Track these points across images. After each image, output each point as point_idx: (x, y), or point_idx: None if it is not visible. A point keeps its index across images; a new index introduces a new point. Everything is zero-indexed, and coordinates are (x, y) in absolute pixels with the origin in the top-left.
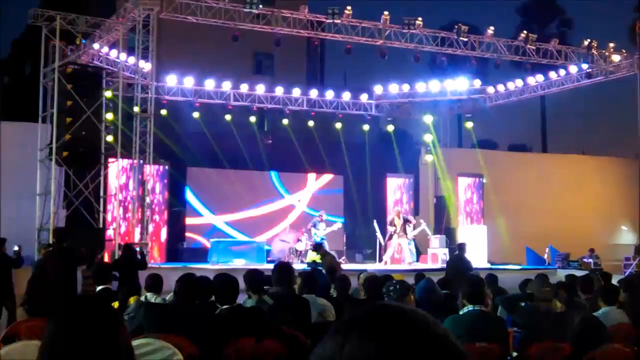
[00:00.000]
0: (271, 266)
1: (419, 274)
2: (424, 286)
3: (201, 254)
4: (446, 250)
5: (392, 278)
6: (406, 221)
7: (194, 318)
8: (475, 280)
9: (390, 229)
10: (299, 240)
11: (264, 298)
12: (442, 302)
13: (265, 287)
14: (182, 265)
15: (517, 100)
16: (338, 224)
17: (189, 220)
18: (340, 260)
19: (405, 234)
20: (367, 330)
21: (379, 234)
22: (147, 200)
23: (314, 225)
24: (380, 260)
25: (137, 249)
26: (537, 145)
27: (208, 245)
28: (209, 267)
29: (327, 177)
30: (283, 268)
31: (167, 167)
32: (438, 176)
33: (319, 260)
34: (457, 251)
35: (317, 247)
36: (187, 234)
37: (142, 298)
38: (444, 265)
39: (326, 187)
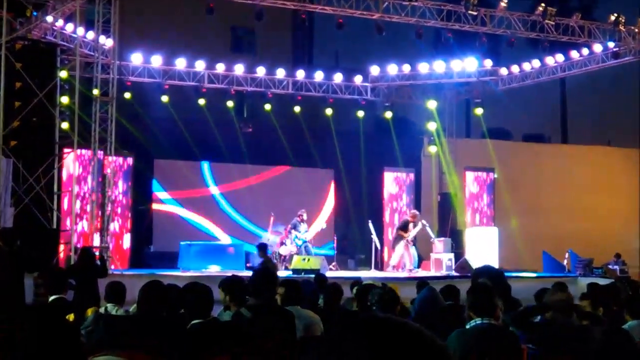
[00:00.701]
0: (249, 273)
1: (421, 282)
2: (425, 296)
3: (170, 259)
4: (451, 256)
5: (374, 286)
6: (407, 223)
7: (161, 333)
8: (482, 288)
9: (403, 234)
10: (282, 243)
11: (242, 311)
12: (446, 314)
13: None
14: (148, 272)
15: (534, 84)
16: (322, 224)
17: (156, 220)
18: (330, 266)
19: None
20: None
21: (374, 236)
22: (109, 197)
23: (294, 227)
24: (377, 266)
25: (97, 253)
26: (556, 135)
27: (178, 249)
28: (179, 275)
29: (314, 171)
30: (263, 275)
31: (131, 159)
32: (443, 170)
33: (305, 267)
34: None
35: (261, 248)
36: (155, 236)
37: (102, 309)
38: (449, 273)
39: (313, 182)
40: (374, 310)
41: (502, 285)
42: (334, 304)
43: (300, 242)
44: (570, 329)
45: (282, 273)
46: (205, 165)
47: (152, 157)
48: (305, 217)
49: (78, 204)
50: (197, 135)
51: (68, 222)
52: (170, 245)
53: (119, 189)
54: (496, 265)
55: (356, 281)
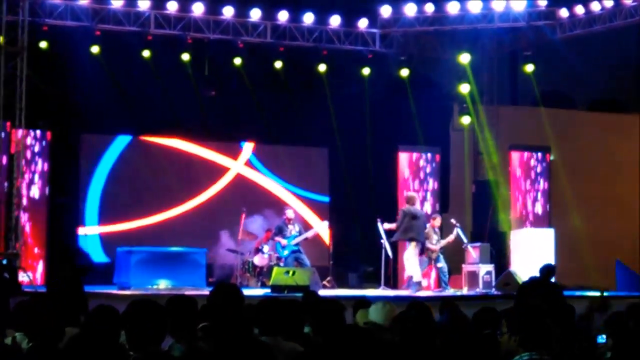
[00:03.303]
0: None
1: (446, 302)
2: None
3: (104, 271)
4: (490, 267)
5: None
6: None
7: None
8: (532, 311)
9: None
10: (258, 250)
11: (200, 345)
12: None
13: (201, 325)
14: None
15: (605, 31)
16: (317, 229)
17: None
18: (324, 282)
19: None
20: None
21: (385, 242)
22: (18, 186)
23: (279, 232)
24: (389, 282)
25: (3, 261)
26: (635, 102)
27: (113, 258)
28: (116, 293)
29: (303, 151)
30: (228, 293)
31: (49, 134)
32: (479, 150)
33: (289, 282)
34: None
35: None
36: (82, 240)
37: (8, 340)
38: (488, 291)
39: (301, 167)
40: None
41: (561, 306)
42: (329, 332)
43: (287, 252)
44: None
45: (257, 291)
46: (152, 142)
47: (78, 131)
48: (292, 215)
49: None
50: (140, 101)
51: None
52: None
53: (34, 173)
54: (552, 280)
55: (360, 301)
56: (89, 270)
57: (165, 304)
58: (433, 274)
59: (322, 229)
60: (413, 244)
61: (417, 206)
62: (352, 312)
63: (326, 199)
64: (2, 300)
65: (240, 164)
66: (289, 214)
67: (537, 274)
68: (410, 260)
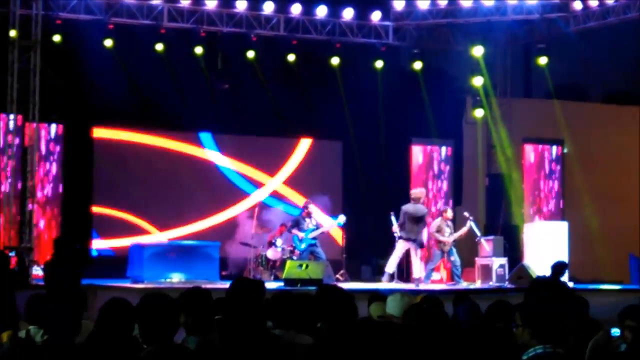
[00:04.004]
0: (227, 285)
1: (460, 295)
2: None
3: (117, 265)
4: (504, 261)
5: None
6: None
7: None
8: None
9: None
10: (271, 243)
11: (213, 337)
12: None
13: (216, 317)
14: (87, 283)
15: (619, 23)
16: (334, 222)
17: (96, 211)
18: (337, 275)
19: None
20: None
21: (398, 234)
22: (30, 182)
23: (296, 224)
24: (402, 276)
25: (12, 254)
26: None
27: (126, 251)
28: (130, 286)
29: (317, 144)
30: (244, 287)
31: (61, 128)
32: (493, 143)
33: (302, 275)
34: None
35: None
36: (95, 234)
37: (22, 333)
38: (501, 284)
39: (315, 160)
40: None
41: (574, 300)
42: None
43: (304, 245)
44: None
45: (270, 284)
46: (165, 135)
47: (91, 125)
48: (312, 209)
49: None
50: (153, 94)
51: None
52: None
53: (47, 167)
54: (566, 274)
55: (375, 294)
56: (88, 262)
57: (180, 297)
58: (442, 267)
59: (338, 222)
60: (412, 244)
61: (421, 205)
62: (366, 305)
63: (339, 190)
64: (9, 295)
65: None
66: (310, 207)
67: (550, 269)
68: (412, 259)
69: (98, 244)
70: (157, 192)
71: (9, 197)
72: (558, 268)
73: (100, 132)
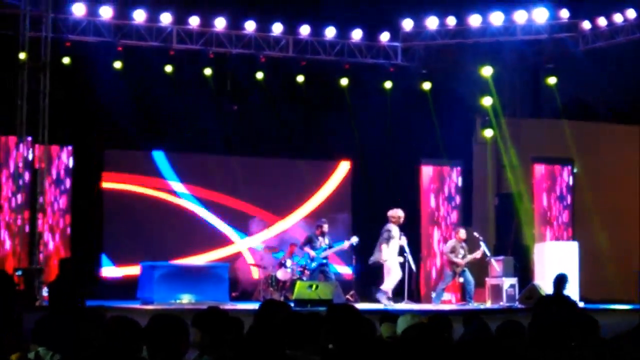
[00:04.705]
0: (237, 306)
1: (470, 315)
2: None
3: (126, 286)
4: (514, 281)
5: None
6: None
7: None
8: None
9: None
10: (281, 264)
11: (227, 357)
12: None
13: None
14: (97, 305)
15: (627, 43)
16: (346, 242)
17: (107, 233)
18: (347, 296)
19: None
20: None
21: (408, 255)
22: (41, 201)
23: (309, 242)
24: (412, 296)
25: (18, 272)
26: None
27: (137, 272)
28: (139, 308)
29: (326, 166)
30: (273, 309)
31: (71, 149)
32: (502, 163)
33: (312, 296)
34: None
35: None
36: (105, 254)
37: (31, 355)
38: (512, 304)
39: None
40: None
41: (584, 320)
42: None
43: (315, 264)
44: None
45: None
46: (174, 158)
47: (102, 148)
48: (326, 228)
49: None
50: (163, 115)
51: None
52: (125, 267)
53: (55, 189)
54: (576, 293)
55: (385, 315)
56: (93, 284)
57: (197, 316)
58: (451, 288)
59: (352, 242)
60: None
61: (396, 228)
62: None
63: (347, 209)
64: (13, 313)
65: (259, 178)
66: (324, 227)
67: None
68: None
69: (107, 272)
70: (166, 224)
71: (19, 219)
72: (559, 282)
73: (111, 155)
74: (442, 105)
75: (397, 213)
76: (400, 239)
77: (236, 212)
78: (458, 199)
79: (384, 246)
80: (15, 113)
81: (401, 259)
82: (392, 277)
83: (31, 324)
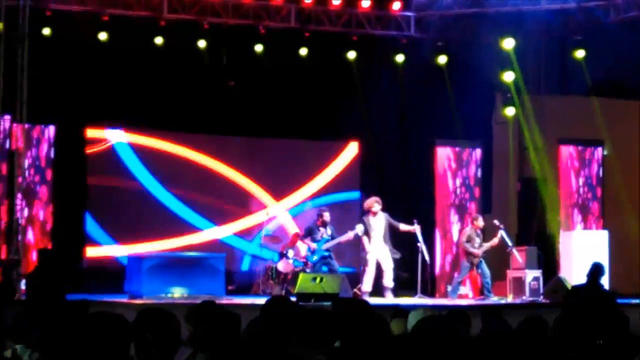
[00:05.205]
0: (234, 300)
1: (488, 310)
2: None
3: (113, 278)
4: (538, 273)
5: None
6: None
7: None
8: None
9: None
10: (283, 254)
11: (223, 355)
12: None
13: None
14: (81, 299)
15: None
16: (351, 232)
17: (91, 220)
18: (355, 290)
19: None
20: None
21: (421, 245)
22: (19, 185)
23: (310, 233)
24: (426, 290)
25: None
26: None
27: (124, 263)
28: (127, 302)
29: (332, 147)
30: (280, 307)
31: (53, 129)
32: (525, 145)
33: (317, 289)
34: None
35: None
36: (90, 247)
37: (7, 353)
38: (535, 299)
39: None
40: None
41: (615, 315)
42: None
43: (317, 257)
44: None
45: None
46: (165, 136)
47: (84, 125)
48: (327, 217)
49: None
50: (152, 92)
51: None
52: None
53: (36, 172)
54: (605, 286)
55: (397, 310)
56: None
57: (190, 311)
58: (468, 280)
59: (357, 232)
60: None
61: (374, 216)
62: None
63: (356, 194)
64: None
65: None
66: (325, 216)
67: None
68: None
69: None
70: (159, 198)
71: None
72: (596, 270)
73: (95, 133)
74: (459, 81)
75: (370, 203)
76: (413, 225)
77: (235, 192)
78: (477, 184)
79: (364, 240)
80: None
81: (387, 252)
82: (367, 274)
83: (9, 319)
